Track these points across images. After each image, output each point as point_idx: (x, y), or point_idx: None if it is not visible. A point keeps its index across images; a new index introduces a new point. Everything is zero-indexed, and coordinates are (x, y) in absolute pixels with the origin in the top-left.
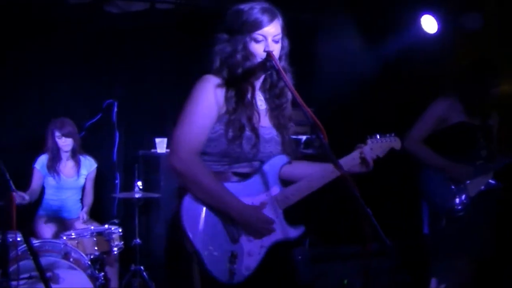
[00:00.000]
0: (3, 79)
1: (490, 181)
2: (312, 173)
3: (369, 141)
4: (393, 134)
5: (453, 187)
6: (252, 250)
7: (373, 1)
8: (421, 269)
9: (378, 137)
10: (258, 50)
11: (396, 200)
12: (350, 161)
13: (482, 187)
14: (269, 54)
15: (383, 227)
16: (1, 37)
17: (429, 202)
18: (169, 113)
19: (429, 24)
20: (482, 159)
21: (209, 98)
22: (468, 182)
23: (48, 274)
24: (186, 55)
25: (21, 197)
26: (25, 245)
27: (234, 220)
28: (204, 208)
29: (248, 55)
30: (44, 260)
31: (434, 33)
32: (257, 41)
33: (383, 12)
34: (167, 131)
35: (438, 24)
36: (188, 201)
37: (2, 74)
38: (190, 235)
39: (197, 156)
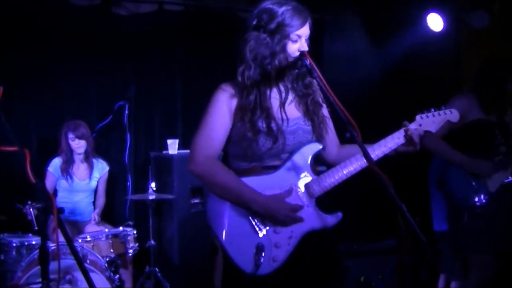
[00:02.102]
0: (14, 82)
1: (510, 176)
2: (346, 160)
3: (417, 117)
4: (450, 108)
5: (473, 183)
6: (280, 242)
7: (380, 0)
8: (432, 266)
9: (432, 110)
10: (294, 50)
11: (404, 197)
12: (394, 140)
13: (502, 182)
14: (303, 54)
15: (390, 225)
16: (12, 40)
17: (451, 198)
18: (180, 114)
19: (435, 22)
20: (501, 155)
21: (222, 108)
22: (487, 178)
23: (68, 276)
24: (196, 56)
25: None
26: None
27: (257, 213)
28: (228, 204)
29: (287, 56)
30: (62, 263)
31: (440, 31)
32: (293, 41)
33: (390, 11)
34: (179, 132)
35: (444, 22)
36: (211, 199)
37: (13, 77)
38: (215, 229)
39: (212, 159)
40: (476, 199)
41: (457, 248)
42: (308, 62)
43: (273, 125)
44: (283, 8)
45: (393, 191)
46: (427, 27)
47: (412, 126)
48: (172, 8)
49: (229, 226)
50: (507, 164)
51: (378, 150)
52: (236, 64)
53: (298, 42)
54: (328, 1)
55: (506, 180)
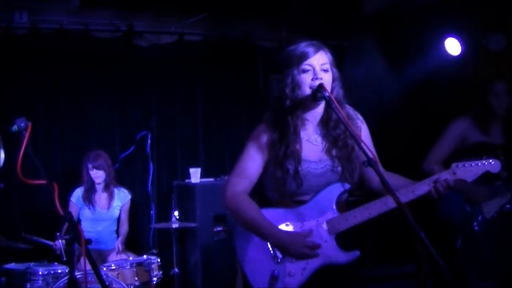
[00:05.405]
0: (38, 113)
1: (507, 204)
2: (371, 202)
3: (453, 166)
4: (491, 157)
5: (468, 209)
6: (293, 271)
7: (398, 26)
8: None
9: (471, 161)
10: (306, 80)
11: (428, 223)
12: (424, 186)
13: (499, 208)
14: (320, 86)
15: (411, 250)
16: (35, 73)
17: (447, 223)
18: (202, 143)
19: (453, 46)
20: (501, 180)
21: (256, 147)
22: (483, 204)
23: None
24: (217, 84)
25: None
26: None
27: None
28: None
29: (295, 86)
30: None
31: (458, 55)
32: (305, 71)
33: (408, 37)
34: (201, 161)
35: (461, 46)
36: (239, 227)
37: (37, 108)
38: (238, 254)
39: (239, 195)
40: (471, 224)
41: (460, 271)
42: (326, 94)
43: (300, 168)
44: (296, 45)
45: (413, 219)
46: (445, 51)
47: (445, 175)
48: (192, 38)
49: (251, 251)
50: (506, 190)
51: (404, 197)
52: (257, 93)
53: (310, 72)
54: (346, 28)
55: (503, 208)
